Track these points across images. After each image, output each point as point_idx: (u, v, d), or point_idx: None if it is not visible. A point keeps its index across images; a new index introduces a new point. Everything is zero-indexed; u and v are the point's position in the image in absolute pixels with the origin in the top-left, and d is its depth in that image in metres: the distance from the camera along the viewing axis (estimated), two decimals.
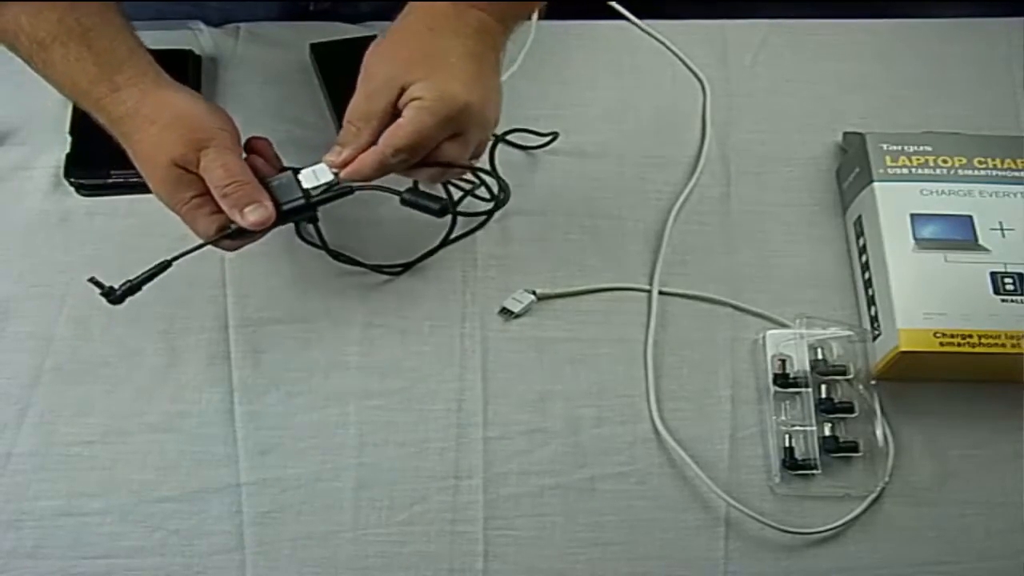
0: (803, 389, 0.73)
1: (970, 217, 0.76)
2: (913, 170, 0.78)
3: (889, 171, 0.78)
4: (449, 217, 0.74)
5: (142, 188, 0.69)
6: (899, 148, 0.79)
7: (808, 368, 0.74)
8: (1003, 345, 0.71)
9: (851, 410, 0.73)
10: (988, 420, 0.73)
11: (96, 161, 0.77)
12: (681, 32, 0.91)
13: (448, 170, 0.69)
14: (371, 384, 0.73)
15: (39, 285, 0.75)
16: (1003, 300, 0.72)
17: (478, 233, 0.79)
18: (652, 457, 0.71)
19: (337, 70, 0.85)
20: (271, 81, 0.86)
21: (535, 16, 0.86)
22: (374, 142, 0.67)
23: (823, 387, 0.73)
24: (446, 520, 0.69)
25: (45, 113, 0.82)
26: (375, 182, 0.68)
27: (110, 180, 0.78)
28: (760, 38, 0.92)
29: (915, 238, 0.75)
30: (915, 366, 0.72)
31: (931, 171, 0.78)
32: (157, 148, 0.66)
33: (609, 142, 0.84)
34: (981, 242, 0.75)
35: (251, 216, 0.65)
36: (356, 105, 0.68)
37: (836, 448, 0.71)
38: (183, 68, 0.84)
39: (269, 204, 0.66)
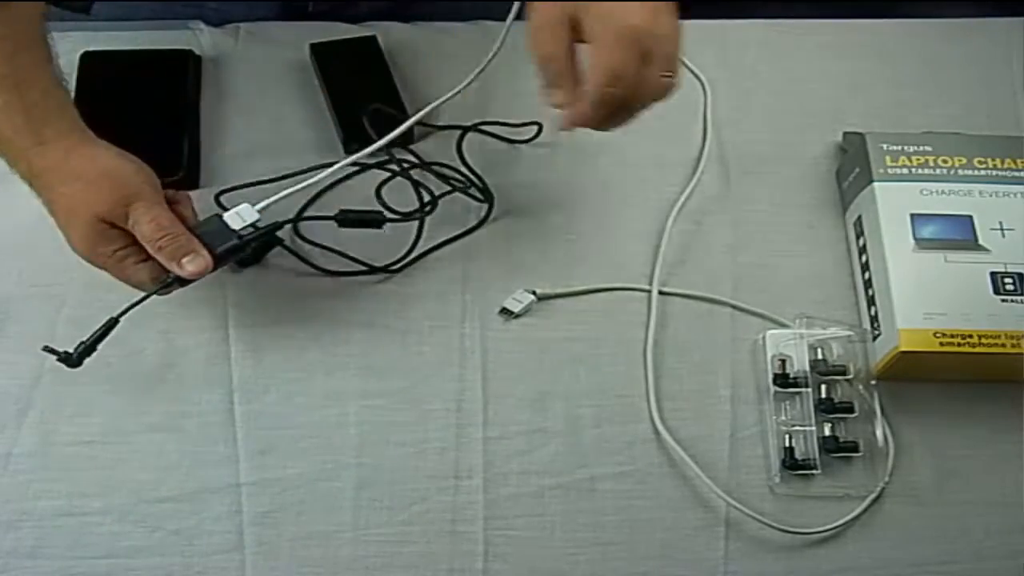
0: (803, 389, 0.73)
1: (970, 217, 0.76)
2: (913, 170, 0.78)
3: (889, 171, 0.78)
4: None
5: None
6: (899, 148, 0.79)
7: (808, 368, 0.74)
8: (1003, 345, 0.71)
9: (851, 410, 0.73)
10: (988, 420, 0.73)
11: None
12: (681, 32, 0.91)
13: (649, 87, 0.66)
14: (371, 384, 0.73)
15: (39, 285, 0.75)
16: (1003, 300, 0.72)
17: (478, 233, 0.79)
18: (652, 457, 0.71)
19: (337, 70, 0.85)
20: (271, 81, 0.86)
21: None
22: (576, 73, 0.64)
23: (823, 387, 0.73)
24: (446, 520, 0.69)
25: None
26: (308, 213, 0.73)
27: None
28: (760, 38, 0.92)
29: (915, 238, 0.75)
30: (915, 366, 0.72)
31: (931, 171, 0.78)
32: (82, 204, 0.66)
33: (609, 142, 0.83)
34: (981, 242, 0.75)
35: (189, 266, 0.67)
36: (543, 45, 0.65)
37: (836, 448, 0.71)
38: (183, 68, 0.84)
39: (204, 252, 0.67)
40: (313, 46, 0.86)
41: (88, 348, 0.68)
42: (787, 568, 0.68)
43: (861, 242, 0.78)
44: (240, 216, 0.69)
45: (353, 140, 0.81)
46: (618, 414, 0.73)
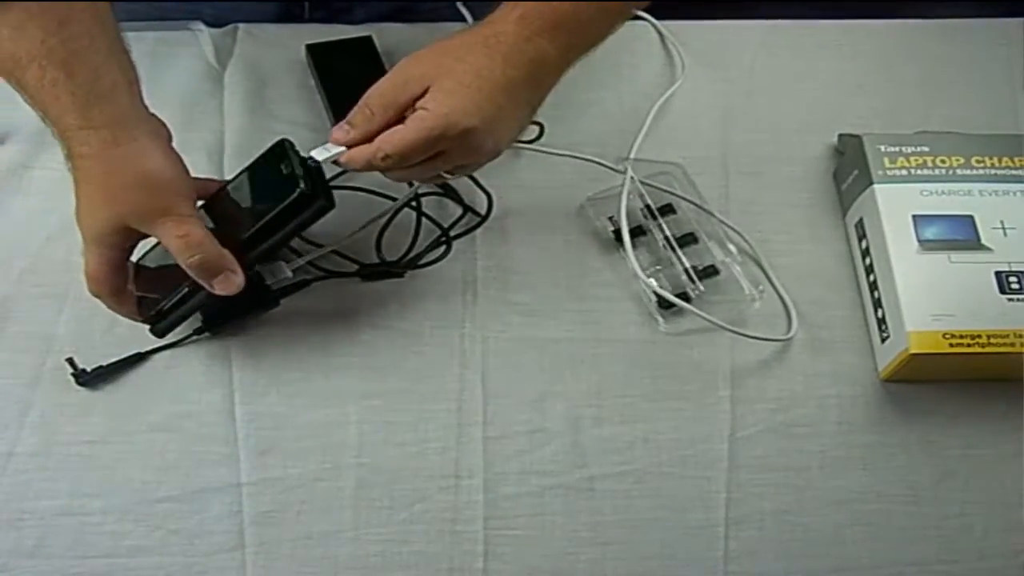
0: (643, 236, 0.78)
1: (971, 217, 0.76)
2: (912, 171, 0.78)
3: (888, 173, 0.78)
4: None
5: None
6: (897, 149, 0.79)
7: (641, 216, 0.79)
8: (1012, 344, 0.71)
9: (696, 239, 0.78)
10: (988, 419, 0.73)
11: None
12: (681, 32, 0.91)
13: (429, 174, 0.69)
14: (371, 384, 0.73)
15: (39, 285, 0.75)
16: (1009, 299, 0.72)
17: (478, 232, 0.79)
18: (652, 457, 0.71)
19: (333, 70, 0.85)
20: (268, 82, 0.86)
21: None
22: (383, 131, 0.66)
23: (662, 227, 0.78)
24: (446, 520, 0.69)
25: None
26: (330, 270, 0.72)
27: None
28: (760, 38, 0.93)
29: (918, 240, 0.75)
30: (924, 368, 0.72)
31: (930, 172, 0.78)
32: (110, 201, 0.64)
33: (609, 142, 0.84)
34: (984, 242, 0.75)
35: (223, 286, 0.65)
36: (380, 90, 0.67)
37: (700, 275, 0.76)
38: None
39: (236, 270, 0.65)
40: (309, 47, 0.87)
41: (105, 372, 0.70)
42: (787, 568, 0.69)
43: (864, 244, 0.78)
44: (272, 273, 0.71)
45: None
46: (618, 414, 0.73)
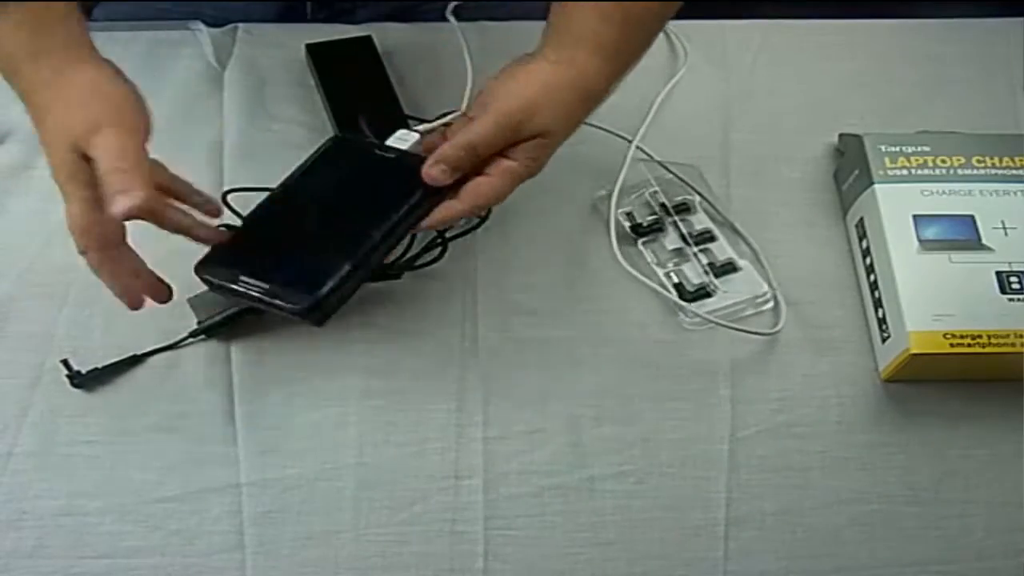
0: (659, 233, 0.79)
1: (972, 217, 0.76)
2: (913, 171, 0.78)
3: (889, 172, 0.78)
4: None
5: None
6: (897, 149, 0.79)
7: (659, 211, 0.80)
8: (1012, 344, 0.71)
9: (713, 237, 0.79)
10: (988, 420, 0.73)
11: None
12: (681, 32, 0.91)
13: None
14: (371, 384, 0.73)
15: (39, 285, 0.75)
16: (1010, 299, 0.72)
17: (477, 232, 0.79)
18: (652, 457, 0.71)
19: (333, 70, 0.85)
20: (268, 81, 0.86)
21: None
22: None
23: (679, 224, 0.79)
24: (446, 520, 0.69)
25: None
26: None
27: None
28: (760, 38, 0.93)
29: (919, 239, 0.75)
30: (925, 368, 0.72)
31: (931, 171, 0.78)
32: (62, 128, 0.61)
33: (608, 142, 0.84)
34: (984, 241, 0.75)
35: (117, 205, 0.59)
36: (483, 136, 0.67)
37: (718, 272, 0.77)
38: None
39: (141, 193, 0.59)
40: (309, 47, 0.87)
41: (101, 375, 0.70)
42: (787, 568, 0.68)
43: (864, 244, 0.78)
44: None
45: None
46: (618, 414, 0.73)
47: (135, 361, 0.72)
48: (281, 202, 0.71)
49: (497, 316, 0.76)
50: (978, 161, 0.79)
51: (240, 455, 0.70)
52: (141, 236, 0.77)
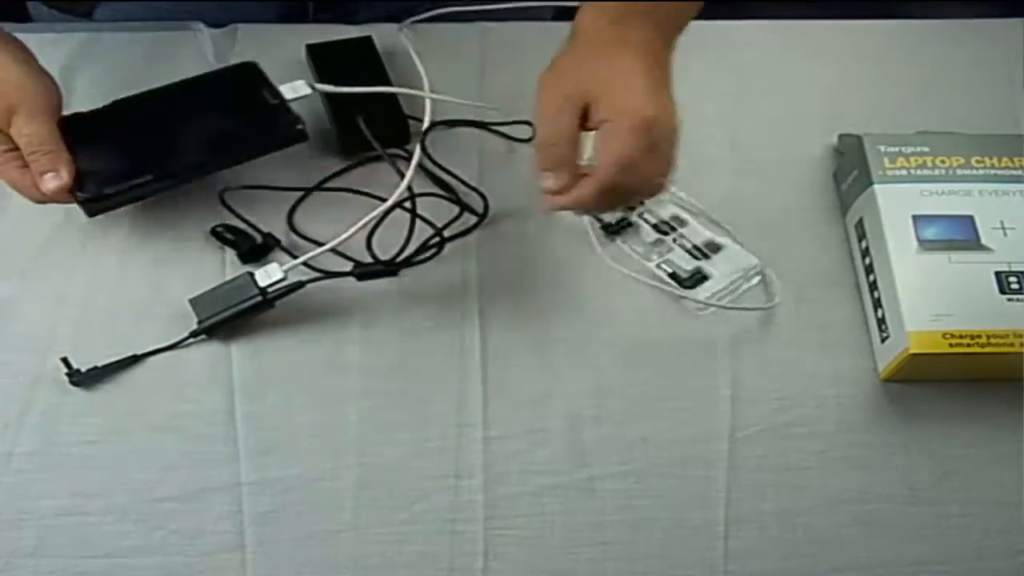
0: (631, 228, 0.79)
1: (971, 217, 0.76)
2: (912, 171, 0.78)
3: (888, 173, 0.78)
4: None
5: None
6: (897, 150, 0.79)
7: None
8: (1012, 344, 0.71)
9: (684, 222, 0.79)
10: (988, 419, 0.73)
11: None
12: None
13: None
14: (371, 384, 0.73)
15: (39, 285, 0.75)
16: (1009, 299, 0.72)
17: (476, 231, 0.79)
18: (652, 457, 0.71)
19: (333, 71, 0.85)
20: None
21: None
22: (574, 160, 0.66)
23: (645, 214, 0.80)
24: (446, 520, 0.69)
25: None
26: (325, 270, 0.74)
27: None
28: (760, 38, 0.93)
29: (918, 240, 0.75)
30: (924, 368, 0.72)
31: (930, 172, 0.78)
32: None
33: None
34: (983, 242, 0.75)
35: (48, 184, 0.70)
36: (548, 127, 0.66)
37: (705, 254, 0.77)
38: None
39: (66, 170, 0.70)
40: (309, 47, 0.86)
41: (100, 373, 0.70)
42: (786, 568, 0.69)
43: (863, 244, 0.78)
44: (268, 274, 0.72)
45: (350, 140, 0.81)
46: (618, 414, 0.73)
47: (135, 361, 0.72)
48: (149, 100, 0.77)
49: (497, 316, 0.76)
50: (977, 161, 0.79)
51: (240, 455, 0.70)
52: (141, 236, 0.78)
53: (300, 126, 0.76)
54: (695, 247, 0.78)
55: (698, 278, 0.77)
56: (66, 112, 0.74)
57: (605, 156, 0.64)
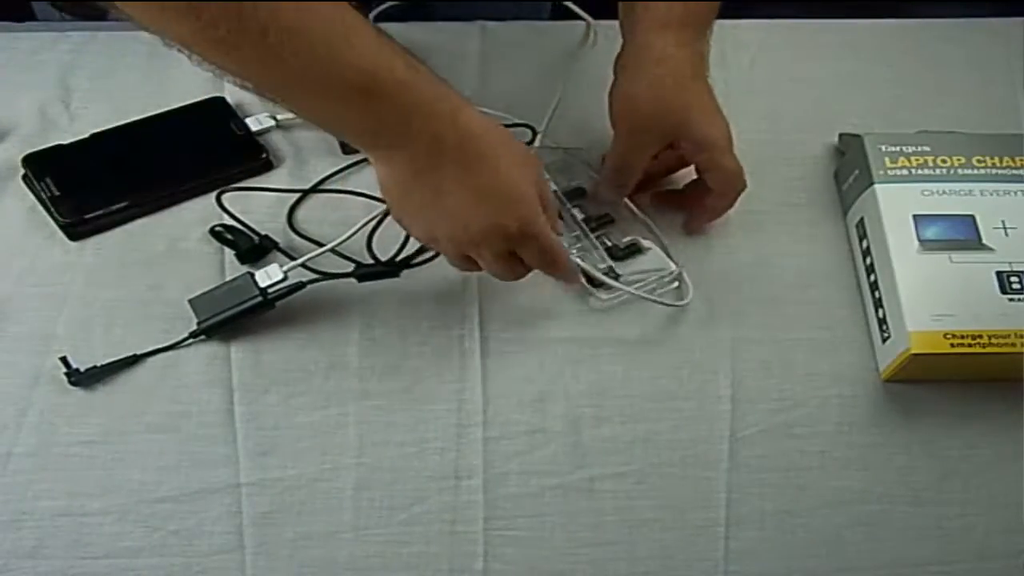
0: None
1: (972, 217, 0.76)
2: (913, 171, 0.78)
3: (889, 172, 0.78)
4: None
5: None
6: (898, 149, 0.79)
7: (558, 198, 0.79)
8: (1013, 344, 0.71)
9: (611, 220, 0.79)
10: (988, 419, 0.73)
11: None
12: None
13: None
14: (371, 384, 0.73)
15: (39, 285, 0.75)
16: (1010, 299, 0.72)
17: None
18: (652, 457, 0.71)
19: None
20: None
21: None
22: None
23: (574, 210, 0.79)
24: (446, 520, 0.68)
25: (45, 111, 0.82)
26: (326, 271, 0.75)
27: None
28: (759, 38, 0.93)
29: (919, 239, 0.75)
30: (925, 368, 0.72)
31: (931, 171, 0.78)
32: None
33: (607, 142, 0.83)
34: (985, 241, 0.75)
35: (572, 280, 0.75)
36: (627, 160, 0.77)
37: (623, 255, 0.77)
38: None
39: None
40: None
41: (99, 373, 0.71)
42: (787, 568, 0.68)
43: (864, 244, 0.78)
44: (268, 275, 0.73)
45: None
46: (618, 414, 0.72)
47: (134, 361, 0.72)
48: (125, 133, 0.81)
49: (497, 316, 0.76)
50: (978, 161, 0.79)
51: (240, 455, 0.70)
52: (140, 236, 0.78)
53: (264, 155, 0.81)
54: (615, 247, 0.78)
55: (610, 277, 0.76)
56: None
57: (727, 188, 0.76)
